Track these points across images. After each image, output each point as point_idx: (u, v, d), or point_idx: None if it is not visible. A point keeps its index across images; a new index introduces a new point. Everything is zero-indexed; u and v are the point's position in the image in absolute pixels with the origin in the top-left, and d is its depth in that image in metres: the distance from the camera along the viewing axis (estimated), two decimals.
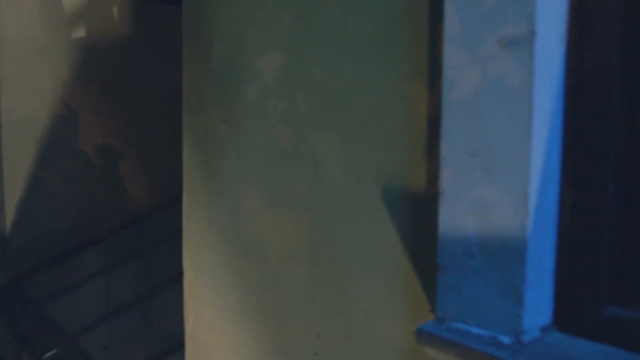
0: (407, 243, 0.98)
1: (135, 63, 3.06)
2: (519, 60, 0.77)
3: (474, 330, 0.85)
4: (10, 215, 2.69)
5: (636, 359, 0.77)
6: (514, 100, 0.78)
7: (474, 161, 0.82)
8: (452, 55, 0.84)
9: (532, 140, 0.77)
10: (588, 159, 0.82)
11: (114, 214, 3.08)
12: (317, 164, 1.13)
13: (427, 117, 0.93)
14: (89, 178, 2.97)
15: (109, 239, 2.98)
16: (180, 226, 1.61)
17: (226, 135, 1.38)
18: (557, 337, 0.84)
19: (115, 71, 2.99)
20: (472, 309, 0.85)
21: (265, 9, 1.26)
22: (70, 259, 2.80)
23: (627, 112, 0.82)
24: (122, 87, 3.04)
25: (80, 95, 2.88)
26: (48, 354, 2.10)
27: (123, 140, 3.09)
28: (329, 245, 1.12)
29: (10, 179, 2.69)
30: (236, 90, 1.34)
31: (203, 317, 1.52)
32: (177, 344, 2.01)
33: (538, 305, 0.83)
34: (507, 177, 0.79)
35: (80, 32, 2.83)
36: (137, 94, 3.10)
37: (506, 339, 0.81)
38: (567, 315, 0.85)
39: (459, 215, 0.85)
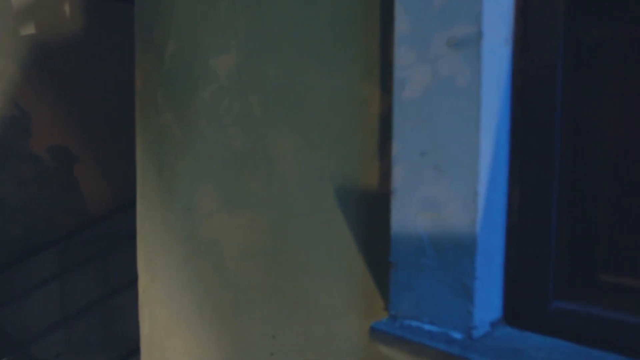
0: (362, 242, 0.98)
1: (92, 62, 2.98)
2: (467, 61, 0.79)
3: (427, 327, 0.86)
4: None
5: (581, 350, 0.79)
6: (463, 99, 0.79)
7: (424, 160, 0.83)
8: (402, 55, 0.85)
9: (480, 139, 0.79)
10: (534, 157, 0.84)
11: (69, 217, 3.00)
12: (272, 164, 1.12)
13: (379, 116, 0.94)
14: (42, 181, 2.88)
15: (64, 243, 2.90)
16: None
17: (180, 136, 1.36)
18: (506, 331, 0.86)
19: (69, 70, 2.91)
20: (424, 306, 0.86)
21: (219, 10, 1.24)
22: (22, 265, 2.71)
23: (570, 112, 0.84)
24: (77, 87, 2.96)
25: (32, 95, 2.79)
26: None
27: (79, 141, 3.01)
28: (285, 245, 1.11)
29: None
30: (190, 90, 1.32)
31: (159, 320, 1.50)
32: (136, 347, 1.97)
33: (488, 301, 0.85)
34: (456, 175, 0.81)
35: (29, 29, 2.74)
36: (94, 94, 3.02)
37: (457, 335, 0.82)
38: (516, 310, 0.87)
39: (410, 214, 0.86)
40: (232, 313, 1.26)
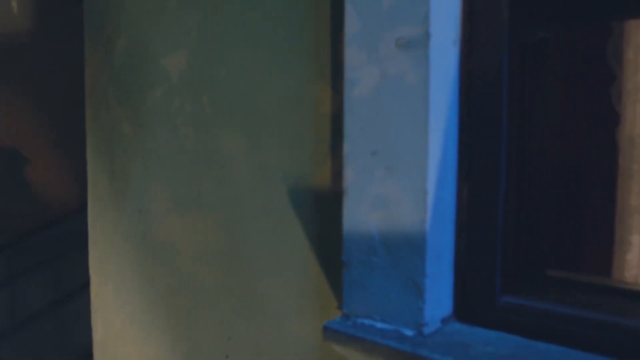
0: (315, 241, 0.98)
1: (42, 60, 2.89)
2: (415, 61, 0.80)
3: (379, 325, 0.86)
4: None
5: (527, 343, 0.82)
6: (411, 99, 0.80)
7: (375, 159, 0.84)
8: (352, 55, 0.86)
9: (429, 138, 0.80)
10: (482, 156, 0.86)
11: (19, 221, 2.90)
12: (224, 164, 1.11)
13: (330, 116, 0.94)
14: None
15: (14, 248, 2.80)
16: None
17: (132, 136, 1.34)
18: (456, 327, 0.87)
19: (19, 69, 2.81)
20: (376, 304, 0.87)
21: (169, 8, 1.23)
22: None
23: (516, 111, 0.87)
24: (28, 86, 2.86)
25: None
26: None
27: (29, 143, 2.91)
28: (238, 246, 1.11)
29: None
30: (141, 89, 1.30)
31: (112, 325, 1.46)
32: (90, 354, 1.92)
33: (438, 297, 0.86)
34: (406, 174, 0.82)
35: None
36: (45, 93, 2.93)
37: (409, 332, 0.83)
38: (466, 306, 0.89)
39: (362, 213, 0.86)
40: (187, 316, 1.24)
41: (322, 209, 0.97)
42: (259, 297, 1.08)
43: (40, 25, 2.89)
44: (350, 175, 0.87)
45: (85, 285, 2.21)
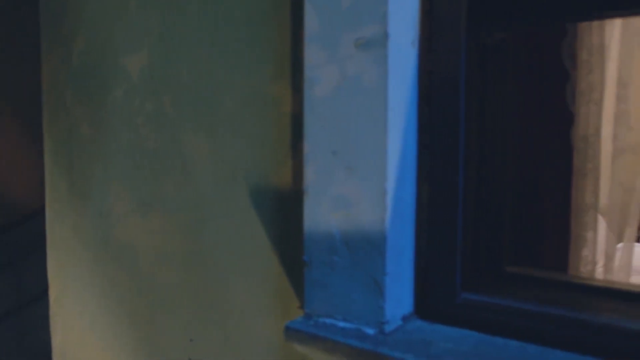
0: (277, 241, 0.98)
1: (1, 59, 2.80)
2: (374, 61, 0.80)
3: (340, 324, 0.87)
4: None
5: (486, 339, 0.83)
6: (371, 99, 0.81)
7: (335, 159, 0.84)
8: (312, 55, 0.86)
9: (388, 138, 0.80)
10: (441, 155, 0.87)
11: None
12: (186, 165, 1.10)
13: (291, 116, 0.94)
14: None
15: None
16: None
17: (92, 137, 1.31)
18: (417, 324, 0.88)
19: None
20: (338, 304, 0.87)
21: (130, 7, 1.20)
22: None
23: (474, 110, 0.88)
24: None
25: None
26: None
27: None
28: (201, 247, 1.10)
29: None
30: (101, 89, 1.27)
31: (72, 330, 1.43)
32: None
33: (399, 296, 0.87)
34: (366, 173, 0.82)
35: None
36: (5, 92, 2.84)
37: (370, 330, 0.84)
38: (427, 303, 0.90)
39: (322, 212, 0.86)
40: (149, 319, 1.22)
41: (283, 209, 0.97)
42: (222, 298, 1.07)
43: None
44: (310, 175, 0.87)
45: (46, 289, 2.15)
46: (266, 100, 0.97)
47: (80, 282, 1.38)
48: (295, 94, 0.94)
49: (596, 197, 1.21)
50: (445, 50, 0.85)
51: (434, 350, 0.79)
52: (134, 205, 1.22)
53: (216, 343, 1.09)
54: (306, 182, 0.88)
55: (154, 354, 1.22)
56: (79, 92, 1.34)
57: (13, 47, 2.82)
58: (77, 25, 1.33)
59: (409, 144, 0.85)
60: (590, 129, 1.15)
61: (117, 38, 1.24)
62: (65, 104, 1.38)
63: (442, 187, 0.87)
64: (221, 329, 1.08)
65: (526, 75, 1.09)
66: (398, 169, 0.83)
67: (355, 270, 0.85)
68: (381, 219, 0.81)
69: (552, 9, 0.87)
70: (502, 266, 0.98)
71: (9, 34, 2.83)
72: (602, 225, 1.34)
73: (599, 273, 1.38)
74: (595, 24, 1.17)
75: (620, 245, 1.52)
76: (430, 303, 0.89)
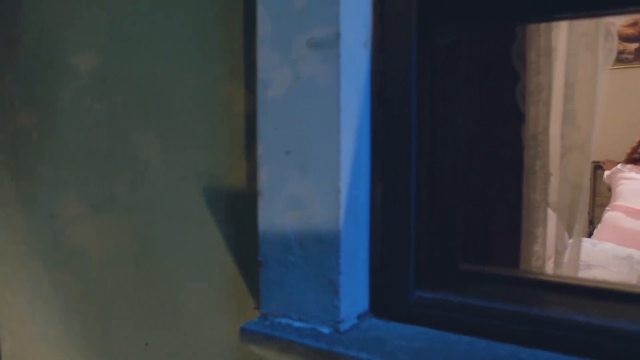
0: (231, 242, 0.97)
1: None
2: (326, 62, 0.80)
3: (296, 323, 0.87)
4: None
5: (440, 335, 0.84)
6: (323, 100, 0.81)
7: (288, 159, 0.84)
8: (265, 56, 0.85)
9: (341, 138, 0.81)
10: (394, 156, 0.88)
11: None
12: (137, 166, 1.08)
13: (244, 116, 0.94)
14: None
15: None
16: None
17: (40, 139, 1.27)
18: (372, 322, 0.89)
19: None
20: (293, 303, 0.87)
21: (79, 5, 1.17)
22: None
23: (427, 112, 0.90)
24: None
25: None
26: None
27: None
28: (153, 249, 1.08)
29: None
30: (49, 89, 1.24)
31: (23, 337, 1.38)
32: None
33: (354, 294, 0.87)
34: (319, 174, 0.82)
35: None
36: None
37: (325, 329, 0.84)
38: (382, 301, 0.91)
39: (277, 213, 0.86)
40: (101, 324, 1.19)
41: (238, 210, 0.97)
42: (176, 301, 1.06)
43: None
44: (264, 176, 0.87)
45: None
46: (219, 101, 0.96)
47: (29, 287, 1.34)
48: (248, 94, 0.93)
49: (546, 194, 1.24)
50: (397, 51, 0.86)
51: (388, 348, 0.80)
52: (85, 208, 1.19)
53: (172, 346, 1.07)
54: (260, 182, 0.87)
55: (109, 359, 1.19)
56: (26, 92, 1.30)
57: None
58: (23, 23, 1.29)
59: (362, 144, 0.86)
60: (539, 128, 1.18)
61: (65, 37, 1.21)
62: (12, 105, 1.33)
63: (395, 186, 0.88)
64: (177, 332, 1.06)
65: (478, 76, 1.11)
66: (352, 169, 0.84)
67: (310, 270, 0.85)
68: (335, 218, 0.82)
69: (502, 12, 0.89)
70: (455, 264, 1.00)
71: None
72: (552, 221, 1.39)
73: (550, 268, 1.43)
74: (543, 26, 1.21)
75: (570, 240, 1.57)
76: (385, 301, 0.90)
